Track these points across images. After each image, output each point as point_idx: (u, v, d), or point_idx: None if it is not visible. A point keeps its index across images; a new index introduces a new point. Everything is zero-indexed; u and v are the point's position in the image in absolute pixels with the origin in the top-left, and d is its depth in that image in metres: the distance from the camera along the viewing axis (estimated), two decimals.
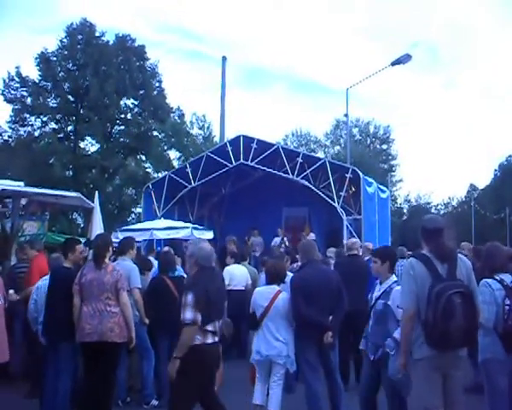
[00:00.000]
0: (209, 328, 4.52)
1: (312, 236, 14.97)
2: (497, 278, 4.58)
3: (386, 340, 4.53)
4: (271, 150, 15.82)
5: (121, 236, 10.68)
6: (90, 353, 5.45)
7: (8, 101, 32.58)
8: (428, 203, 55.26)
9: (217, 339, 4.68)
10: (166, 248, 9.04)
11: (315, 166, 15.52)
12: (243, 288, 9.33)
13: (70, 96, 33.32)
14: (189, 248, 5.03)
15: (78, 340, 5.43)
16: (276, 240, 15.50)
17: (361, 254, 8.84)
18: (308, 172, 15.49)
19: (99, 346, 5.34)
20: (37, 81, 32.53)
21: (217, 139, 30.16)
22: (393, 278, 4.89)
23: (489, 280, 4.57)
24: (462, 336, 3.75)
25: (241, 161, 16.08)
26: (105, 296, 5.43)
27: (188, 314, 4.39)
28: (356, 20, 78.00)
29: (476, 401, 4.75)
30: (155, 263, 7.75)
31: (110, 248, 5.82)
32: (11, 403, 6.52)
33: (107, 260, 5.65)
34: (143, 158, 36.43)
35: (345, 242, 13.72)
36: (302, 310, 5.44)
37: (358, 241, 9.16)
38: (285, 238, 15.75)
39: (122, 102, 34.60)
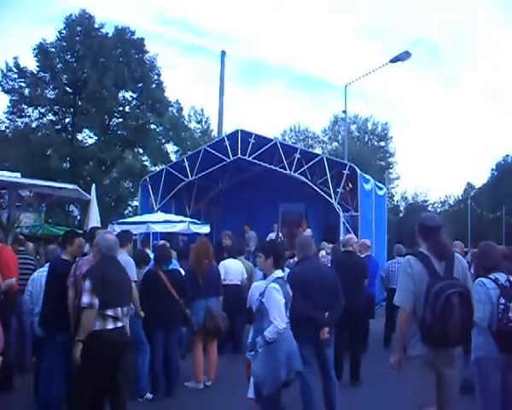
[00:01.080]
0: (109, 313, 4.77)
1: (309, 231, 14.98)
2: (491, 277, 4.59)
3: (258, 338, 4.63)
4: (269, 145, 15.78)
5: (118, 228, 10.70)
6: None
7: (6, 91, 32.40)
8: (425, 201, 55.30)
9: (120, 324, 4.90)
10: (162, 242, 9.04)
11: (312, 162, 15.48)
12: (239, 282, 9.32)
13: (68, 88, 33.14)
14: (96, 238, 5.37)
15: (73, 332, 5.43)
16: (271, 235, 15.51)
17: (357, 250, 8.83)
18: (305, 167, 15.46)
19: None
20: (35, 72, 32.33)
21: (215, 133, 30.10)
22: (276, 273, 4.81)
23: (484, 279, 4.57)
24: (458, 336, 3.77)
25: (239, 155, 16.04)
26: None
27: (85, 298, 4.71)
28: (356, 18, 77.97)
29: (467, 401, 4.75)
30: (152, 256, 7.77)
31: None
32: (4, 397, 6.53)
33: None
34: (141, 151, 36.33)
35: (341, 238, 13.78)
36: (299, 306, 5.45)
37: (354, 237, 9.02)
38: (280, 234, 15.76)
39: (120, 95, 34.44)
